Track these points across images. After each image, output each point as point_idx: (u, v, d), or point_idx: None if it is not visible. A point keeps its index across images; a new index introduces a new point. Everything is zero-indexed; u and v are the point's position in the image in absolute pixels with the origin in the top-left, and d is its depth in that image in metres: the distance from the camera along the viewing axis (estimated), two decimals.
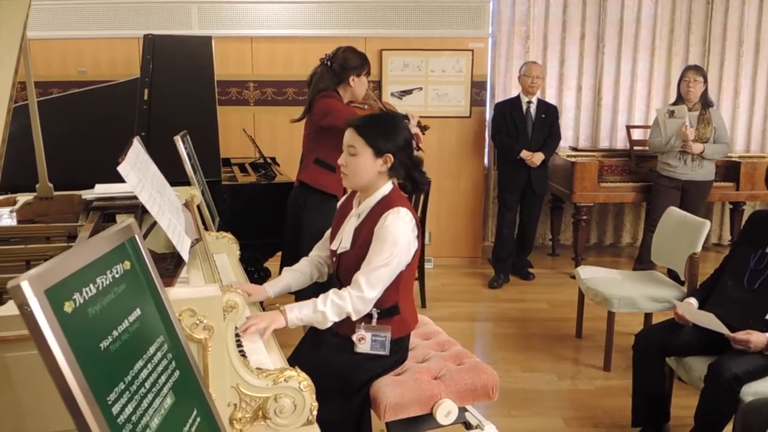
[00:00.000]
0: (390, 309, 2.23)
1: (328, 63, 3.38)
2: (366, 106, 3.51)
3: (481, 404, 2.51)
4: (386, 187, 2.26)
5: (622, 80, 5.91)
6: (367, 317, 2.21)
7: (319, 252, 2.49)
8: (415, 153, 3.17)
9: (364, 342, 2.20)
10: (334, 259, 2.34)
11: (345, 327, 2.22)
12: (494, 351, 4.00)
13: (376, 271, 2.13)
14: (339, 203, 2.48)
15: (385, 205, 2.21)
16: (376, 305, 2.20)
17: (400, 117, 2.48)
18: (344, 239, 2.28)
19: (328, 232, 2.45)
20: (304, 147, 3.53)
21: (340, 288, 2.19)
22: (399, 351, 2.31)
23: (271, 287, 2.38)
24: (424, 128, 3.76)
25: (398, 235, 2.14)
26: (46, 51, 5.27)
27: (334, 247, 2.34)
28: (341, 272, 2.30)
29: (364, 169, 2.21)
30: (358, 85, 3.42)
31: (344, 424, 2.19)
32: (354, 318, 2.16)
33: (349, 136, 2.22)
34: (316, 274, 2.46)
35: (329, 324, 2.16)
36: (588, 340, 4.10)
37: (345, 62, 3.37)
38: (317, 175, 3.37)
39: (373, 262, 2.14)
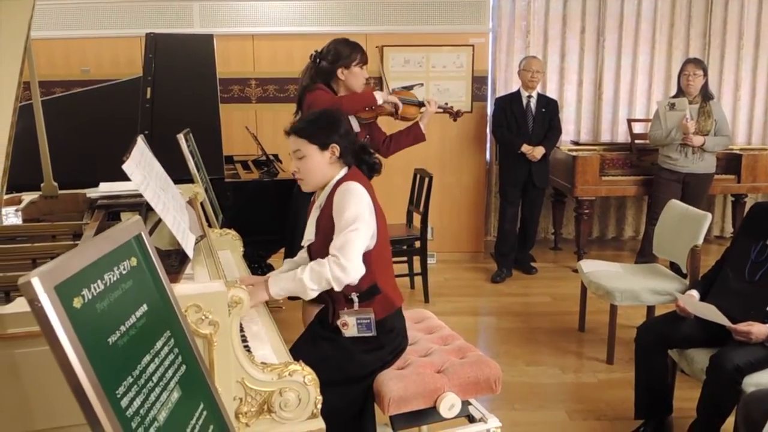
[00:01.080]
0: (369, 290, 2.23)
1: (317, 60, 3.34)
2: None
3: (485, 397, 2.53)
4: (341, 173, 2.28)
5: (623, 74, 5.90)
6: (349, 302, 2.22)
7: None
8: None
9: (348, 327, 2.21)
10: (306, 254, 2.38)
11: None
12: (497, 345, 4.01)
13: (344, 237, 2.13)
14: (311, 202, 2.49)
15: (338, 186, 2.23)
16: (354, 288, 2.21)
17: (336, 109, 2.46)
18: (309, 232, 2.32)
19: None
20: None
21: None
22: (396, 338, 2.32)
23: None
24: (456, 114, 3.74)
25: (354, 203, 2.16)
26: (49, 51, 5.28)
27: (303, 243, 2.36)
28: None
29: (316, 166, 2.25)
30: (350, 78, 3.32)
31: (346, 416, 2.21)
32: (336, 288, 2.15)
33: (292, 142, 2.26)
34: None
35: (310, 293, 2.15)
36: (591, 333, 4.11)
37: (336, 55, 3.30)
38: None
39: (339, 231, 2.15)
